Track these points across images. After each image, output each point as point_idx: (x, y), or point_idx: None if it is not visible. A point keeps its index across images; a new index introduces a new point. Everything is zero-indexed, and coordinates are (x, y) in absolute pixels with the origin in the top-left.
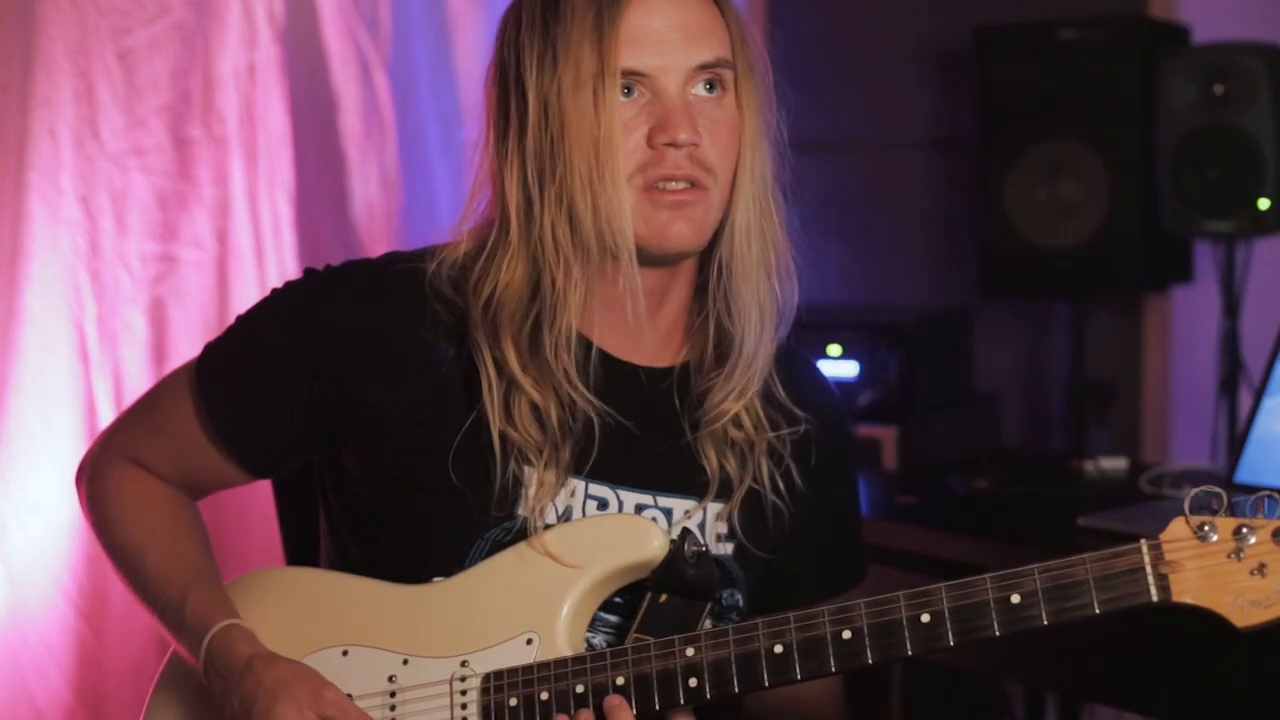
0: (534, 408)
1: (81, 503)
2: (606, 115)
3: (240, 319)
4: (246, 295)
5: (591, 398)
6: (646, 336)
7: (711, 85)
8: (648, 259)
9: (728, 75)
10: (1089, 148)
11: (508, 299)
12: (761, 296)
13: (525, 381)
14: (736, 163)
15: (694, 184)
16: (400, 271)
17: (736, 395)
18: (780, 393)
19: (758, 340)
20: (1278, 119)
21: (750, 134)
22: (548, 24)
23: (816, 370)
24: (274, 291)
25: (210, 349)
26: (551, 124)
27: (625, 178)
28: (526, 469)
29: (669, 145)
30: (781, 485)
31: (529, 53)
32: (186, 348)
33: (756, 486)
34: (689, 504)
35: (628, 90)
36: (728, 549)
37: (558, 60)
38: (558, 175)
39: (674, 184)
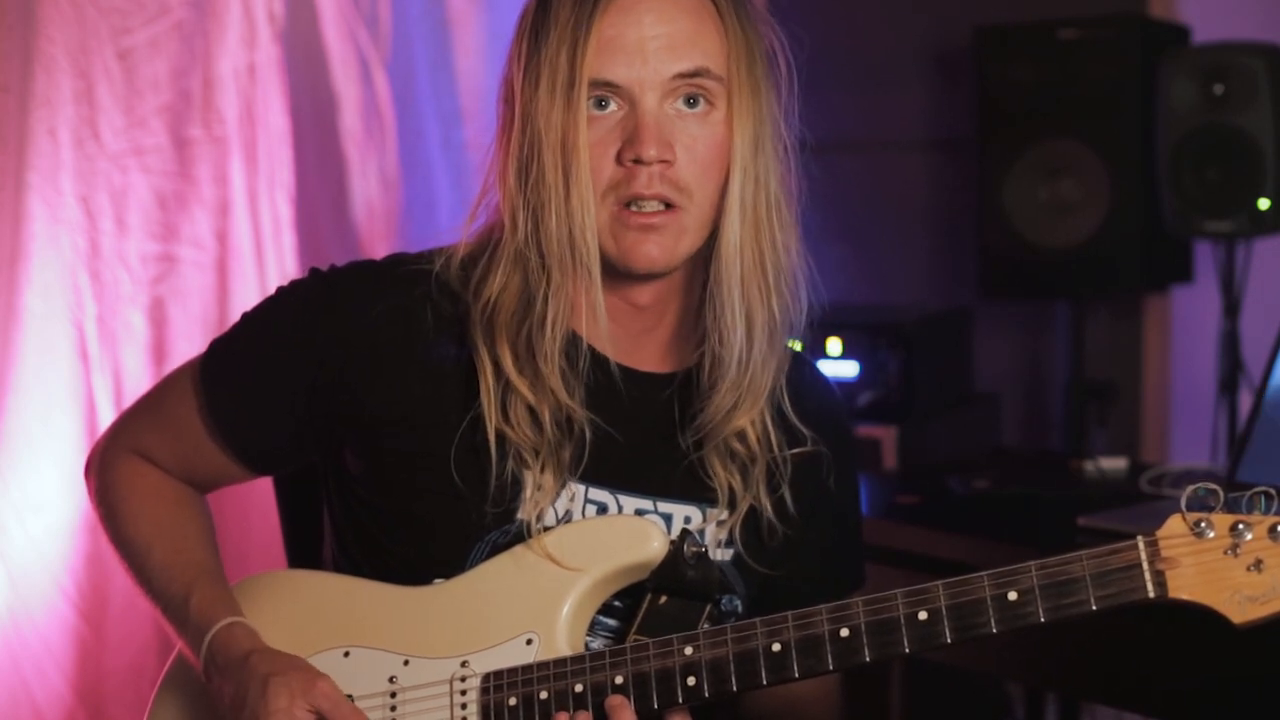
0: (530, 410)
1: (90, 495)
2: (575, 127)
3: (245, 317)
4: (246, 295)
5: (581, 409)
6: (648, 343)
7: (694, 100)
8: (627, 275)
9: (714, 87)
10: (1089, 148)
11: (503, 303)
12: (753, 313)
13: (520, 384)
14: (725, 181)
15: (668, 204)
16: (404, 273)
17: (733, 410)
18: (788, 408)
19: (747, 357)
20: (1278, 119)
21: (743, 151)
22: (536, 31)
23: (821, 379)
24: (279, 290)
25: (214, 346)
26: (530, 133)
27: (598, 194)
28: (525, 471)
29: (636, 162)
30: (788, 499)
31: (518, 59)
32: (186, 347)
33: (755, 503)
34: (689, 510)
35: (603, 103)
36: (727, 555)
37: (539, 68)
38: (532, 184)
39: (645, 204)
